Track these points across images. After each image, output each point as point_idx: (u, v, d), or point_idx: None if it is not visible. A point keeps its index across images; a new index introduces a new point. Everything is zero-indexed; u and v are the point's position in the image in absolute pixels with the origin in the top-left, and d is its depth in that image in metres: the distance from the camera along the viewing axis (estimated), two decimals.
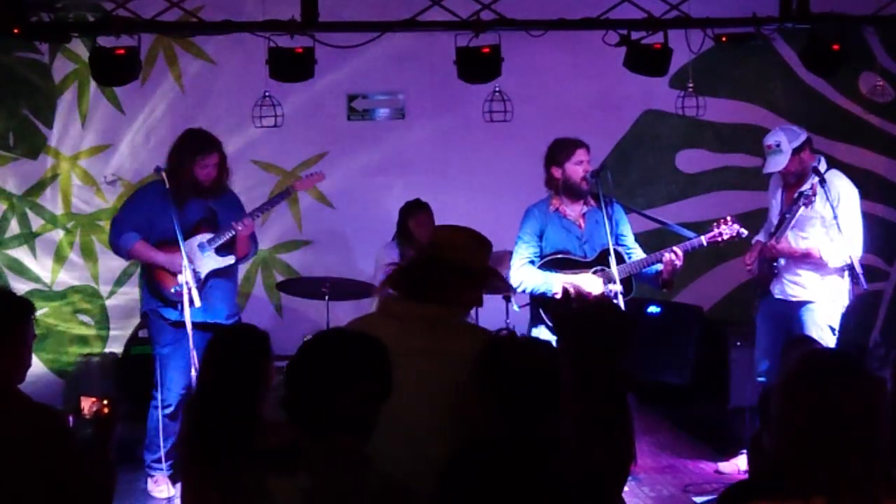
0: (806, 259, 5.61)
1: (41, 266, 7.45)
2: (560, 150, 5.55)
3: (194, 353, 5.24)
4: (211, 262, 5.70)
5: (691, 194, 7.98)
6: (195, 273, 5.54)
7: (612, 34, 5.99)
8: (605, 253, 5.40)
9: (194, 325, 5.39)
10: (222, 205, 5.80)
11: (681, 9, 6.08)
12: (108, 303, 7.52)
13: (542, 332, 5.42)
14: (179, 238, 5.44)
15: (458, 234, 3.31)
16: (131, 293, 7.25)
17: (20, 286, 7.21)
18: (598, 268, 5.49)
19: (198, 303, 5.40)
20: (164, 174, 5.50)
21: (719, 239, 5.53)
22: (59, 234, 7.46)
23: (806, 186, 5.56)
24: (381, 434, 2.68)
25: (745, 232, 5.57)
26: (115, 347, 7.44)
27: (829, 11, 6.08)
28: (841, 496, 2.12)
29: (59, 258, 7.46)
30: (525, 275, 5.46)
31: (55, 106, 7.39)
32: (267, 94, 6.11)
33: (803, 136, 5.65)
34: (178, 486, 5.05)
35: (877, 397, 2.20)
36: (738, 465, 5.93)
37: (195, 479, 3.40)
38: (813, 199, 5.44)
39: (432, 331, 3.10)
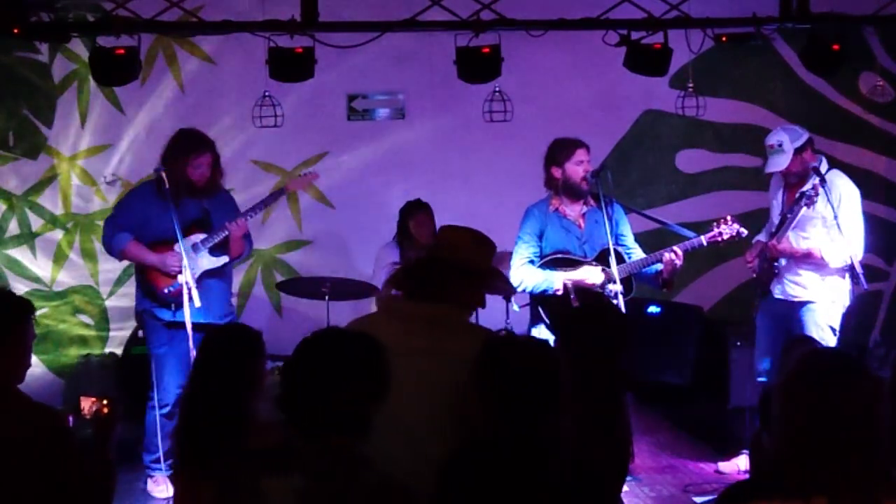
0: (807, 259, 5.61)
1: (41, 266, 7.44)
2: (560, 150, 5.55)
3: (194, 354, 5.23)
4: (204, 262, 5.70)
5: (691, 194, 7.98)
6: (180, 274, 5.54)
7: (612, 34, 5.98)
8: (605, 253, 5.40)
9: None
10: (216, 205, 5.80)
11: (681, 9, 6.08)
12: (107, 303, 7.52)
13: (542, 332, 5.42)
14: (179, 238, 5.44)
15: (462, 235, 3.32)
16: (131, 293, 7.16)
17: (20, 286, 7.21)
18: (598, 266, 5.50)
19: (198, 302, 5.39)
20: (163, 174, 5.50)
21: (719, 239, 5.53)
22: (59, 234, 7.45)
23: (807, 186, 5.56)
24: (382, 434, 2.68)
25: (745, 232, 5.57)
26: (115, 347, 7.44)
27: (829, 11, 6.08)
28: (841, 496, 2.12)
29: (59, 258, 7.46)
30: (525, 274, 5.46)
31: (55, 106, 7.38)
32: (267, 94, 6.10)
33: (805, 136, 5.65)
34: None
35: (877, 397, 2.20)
36: (738, 465, 5.93)
37: (186, 479, 3.40)
38: (815, 199, 5.43)
39: (434, 331, 3.10)
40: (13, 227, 7.40)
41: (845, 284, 5.62)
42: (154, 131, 7.24)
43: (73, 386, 6.98)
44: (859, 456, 2.14)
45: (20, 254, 7.42)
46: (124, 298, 7.39)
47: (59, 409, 3.99)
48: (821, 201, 5.49)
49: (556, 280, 5.41)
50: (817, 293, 5.63)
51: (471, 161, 7.69)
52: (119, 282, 7.42)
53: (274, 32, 5.78)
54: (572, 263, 5.50)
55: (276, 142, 7.33)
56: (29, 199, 7.40)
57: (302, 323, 7.18)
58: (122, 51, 5.68)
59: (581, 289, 5.39)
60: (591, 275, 5.43)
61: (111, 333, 7.51)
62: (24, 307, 3.26)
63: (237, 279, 7.44)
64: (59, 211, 7.45)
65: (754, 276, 5.82)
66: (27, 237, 7.41)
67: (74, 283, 7.48)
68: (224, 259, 5.79)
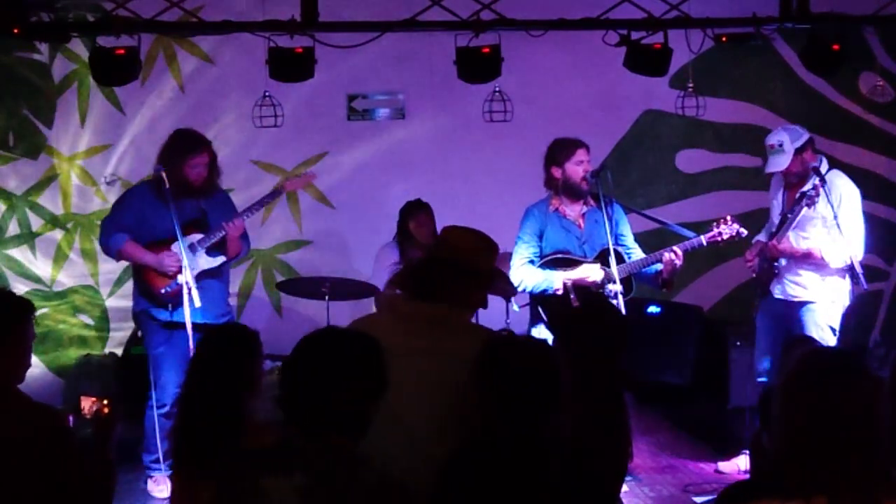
0: (807, 259, 5.61)
1: (41, 266, 7.45)
2: (560, 150, 5.56)
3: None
4: (202, 262, 5.69)
5: (691, 194, 7.98)
6: (180, 274, 5.55)
7: (612, 34, 5.98)
8: (605, 253, 5.40)
9: (185, 325, 5.41)
10: (213, 205, 5.80)
11: (681, 9, 6.07)
12: (107, 303, 7.52)
13: (542, 332, 5.42)
14: (179, 237, 5.44)
15: (465, 236, 3.33)
16: (131, 293, 7.23)
17: (20, 286, 7.21)
18: (598, 263, 5.50)
19: (198, 302, 5.40)
20: (164, 174, 5.50)
21: (719, 239, 5.54)
22: (59, 234, 7.45)
23: (807, 186, 5.56)
24: (382, 433, 2.68)
25: (744, 232, 5.57)
26: (115, 347, 7.44)
27: (829, 11, 6.08)
28: (841, 496, 2.12)
29: (59, 258, 7.46)
30: (525, 274, 5.46)
31: (55, 106, 7.38)
32: (267, 94, 6.10)
33: (805, 136, 5.65)
34: None
35: (877, 397, 2.20)
36: (739, 465, 5.93)
37: (183, 479, 3.40)
38: (816, 199, 5.43)
39: (436, 330, 3.11)
40: (13, 227, 7.40)
41: (845, 284, 5.62)
42: (154, 131, 7.24)
43: (73, 386, 6.97)
44: (859, 456, 2.14)
45: (20, 254, 7.42)
46: (124, 298, 7.37)
47: (59, 409, 3.99)
48: (821, 201, 5.49)
49: (556, 280, 5.41)
50: (817, 293, 5.63)
51: (471, 161, 7.69)
52: (119, 282, 7.42)
53: (274, 32, 5.78)
54: (572, 263, 5.50)
55: (276, 142, 7.33)
56: (29, 199, 7.40)
57: (302, 323, 7.18)
58: (122, 51, 5.68)
59: (581, 288, 5.40)
60: (590, 273, 5.43)
61: (111, 333, 7.52)
62: (24, 307, 3.26)
63: (237, 279, 7.45)
64: (59, 211, 7.45)
65: (754, 275, 5.82)
66: (27, 237, 7.41)
67: (74, 283, 7.48)
68: (221, 259, 5.79)
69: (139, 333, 6.87)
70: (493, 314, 5.59)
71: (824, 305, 5.62)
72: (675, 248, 5.41)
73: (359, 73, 7.45)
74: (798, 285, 5.67)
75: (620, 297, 5.29)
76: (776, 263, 5.69)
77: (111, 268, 7.32)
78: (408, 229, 6.61)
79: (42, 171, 7.41)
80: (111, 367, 7.19)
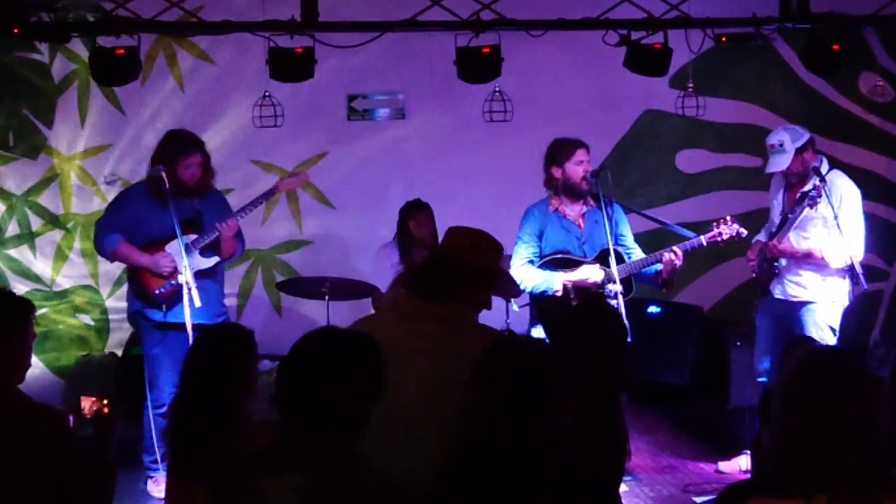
0: (807, 259, 5.61)
1: (41, 266, 7.44)
2: (560, 150, 5.56)
3: None
4: (195, 262, 5.69)
5: (691, 194, 7.98)
6: (180, 274, 5.54)
7: (612, 34, 5.98)
8: (605, 253, 5.40)
9: (181, 325, 5.41)
10: (208, 205, 5.80)
11: (681, 9, 6.08)
12: (107, 303, 7.51)
13: (542, 332, 5.42)
14: (179, 236, 5.45)
15: (468, 236, 3.34)
16: None
17: (20, 286, 7.20)
18: (598, 264, 5.50)
19: (198, 302, 5.40)
20: (163, 174, 5.50)
21: (719, 239, 5.54)
22: (58, 234, 7.45)
23: (808, 187, 5.56)
24: (382, 433, 2.68)
25: (744, 232, 5.57)
26: (115, 347, 7.43)
27: (829, 11, 6.08)
28: (841, 496, 2.12)
29: (59, 258, 7.45)
30: (525, 274, 5.46)
31: (55, 106, 7.38)
32: (267, 94, 6.10)
33: (806, 136, 5.65)
34: None
35: (877, 397, 2.20)
36: (739, 464, 5.93)
37: (177, 479, 3.40)
38: (818, 200, 5.43)
39: (439, 330, 3.12)
40: (13, 227, 7.39)
41: (845, 285, 5.62)
42: (154, 131, 7.24)
43: (73, 386, 6.97)
44: (859, 456, 2.14)
45: (20, 254, 7.41)
46: (124, 299, 7.36)
47: (59, 409, 3.98)
48: (822, 202, 5.48)
49: (556, 281, 5.41)
50: (817, 293, 5.63)
51: (471, 161, 7.69)
52: (119, 282, 7.41)
53: (274, 32, 5.78)
54: (572, 264, 5.50)
55: (276, 142, 7.32)
56: (29, 199, 7.40)
57: (302, 323, 7.18)
58: (122, 51, 5.68)
59: (581, 289, 5.40)
60: (590, 274, 5.43)
61: (111, 333, 7.51)
62: (24, 307, 3.26)
63: (237, 279, 7.46)
64: (59, 211, 7.44)
65: (754, 276, 5.82)
66: (27, 237, 7.41)
67: (74, 283, 7.48)
68: (215, 260, 5.79)
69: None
70: (493, 314, 5.57)
71: (824, 305, 5.62)
72: (674, 248, 5.41)
73: (359, 73, 7.44)
74: (798, 285, 5.67)
75: (620, 297, 5.29)
76: (776, 263, 5.69)
77: (111, 268, 7.31)
78: (408, 229, 6.61)
79: (42, 171, 7.40)
80: (111, 367, 7.19)
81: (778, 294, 5.73)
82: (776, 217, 5.80)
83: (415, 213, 6.63)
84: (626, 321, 4.76)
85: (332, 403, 2.54)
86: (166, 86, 7.44)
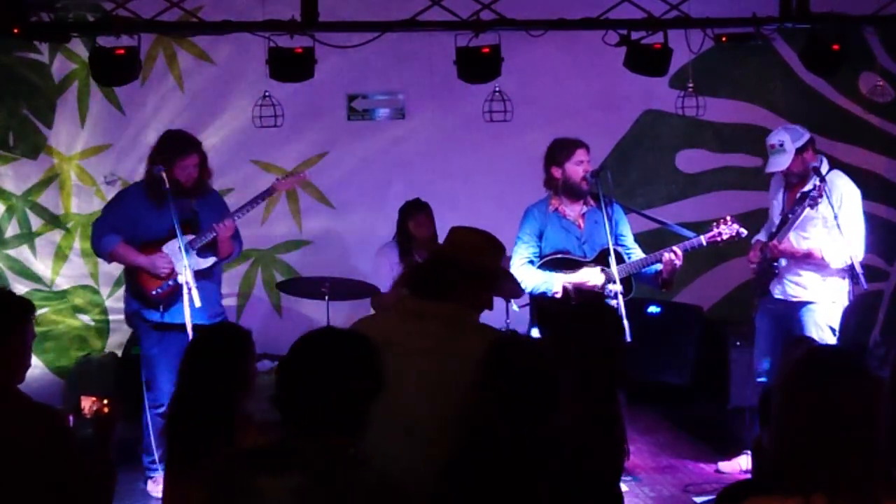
0: (807, 259, 5.61)
1: (41, 266, 7.45)
2: (560, 150, 5.56)
3: None
4: (193, 263, 5.69)
5: (691, 194, 7.97)
6: (178, 274, 5.54)
7: (612, 34, 5.98)
8: (605, 253, 5.40)
9: (178, 326, 5.41)
10: (205, 205, 5.80)
11: (681, 9, 6.08)
12: (107, 303, 7.52)
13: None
14: (179, 237, 5.45)
15: (471, 236, 3.34)
16: None
17: (20, 286, 7.21)
18: (598, 267, 5.50)
19: (198, 302, 5.40)
20: (164, 174, 5.50)
21: (719, 239, 5.54)
22: (58, 234, 7.45)
23: (808, 187, 5.56)
24: (382, 433, 2.68)
25: (744, 232, 5.57)
26: (115, 347, 7.44)
27: (829, 11, 6.08)
28: (840, 496, 2.12)
29: (59, 258, 7.45)
30: (525, 274, 5.46)
31: (55, 106, 7.38)
32: (267, 94, 6.10)
33: (806, 136, 5.65)
34: None
35: (877, 397, 2.20)
36: (739, 464, 5.92)
37: (175, 479, 3.40)
38: (819, 200, 5.43)
39: (442, 330, 3.12)
40: (13, 227, 7.40)
41: (845, 285, 5.62)
42: (154, 131, 7.23)
43: (73, 386, 6.97)
44: (859, 456, 2.14)
45: (20, 254, 7.41)
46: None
47: (59, 409, 3.98)
48: (822, 202, 5.48)
49: (556, 282, 5.41)
50: (817, 293, 5.63)
51: (471, 161, 7.69)
52: (119, 282, 7.39)
53: (274, 32, 5.78)
54: (572, 264, 5.50)
55: (276, 142, 7.32)
56: (29, 199, 7.40)
57: (302, 323, 7.19)
58: (122, 51, 5.68)
59: (581, 291, 5.40)
60: (591, 277, 5.42)
61: (111, 333, 7.51)
62: (24, 307, 3.26)
63: (237, 279, 7.46)
64: (59, 211, 7.44)
65: (754, 276, 5.82)
66: (27, 237, 7.41)
67: (74, 283, 7.48)
68: (212, 260, 5.79)
69: None
70: (494, 314, 5.57)
71: (824, 305, 5.62)
72: (674, 248, 5.42)
73: (359, 73, 7.44)
74: (798, 285, 5.67)
75: (620, 297, 5.29)
76: (776, 263, 5.69)
77: (111, 268, 7.30)
78: (408, 229, 6.60)
79: (42, 170, 7.40)
80: (111, 367, 7.19)
81: (778, 294, 5.73)
82: (776, 217, 5.80)
83: (415, 213, 6.63)
84: (626, 321, 4.79)
85: (331, 403, 2.54)
86: (166, 86, 7.45)
